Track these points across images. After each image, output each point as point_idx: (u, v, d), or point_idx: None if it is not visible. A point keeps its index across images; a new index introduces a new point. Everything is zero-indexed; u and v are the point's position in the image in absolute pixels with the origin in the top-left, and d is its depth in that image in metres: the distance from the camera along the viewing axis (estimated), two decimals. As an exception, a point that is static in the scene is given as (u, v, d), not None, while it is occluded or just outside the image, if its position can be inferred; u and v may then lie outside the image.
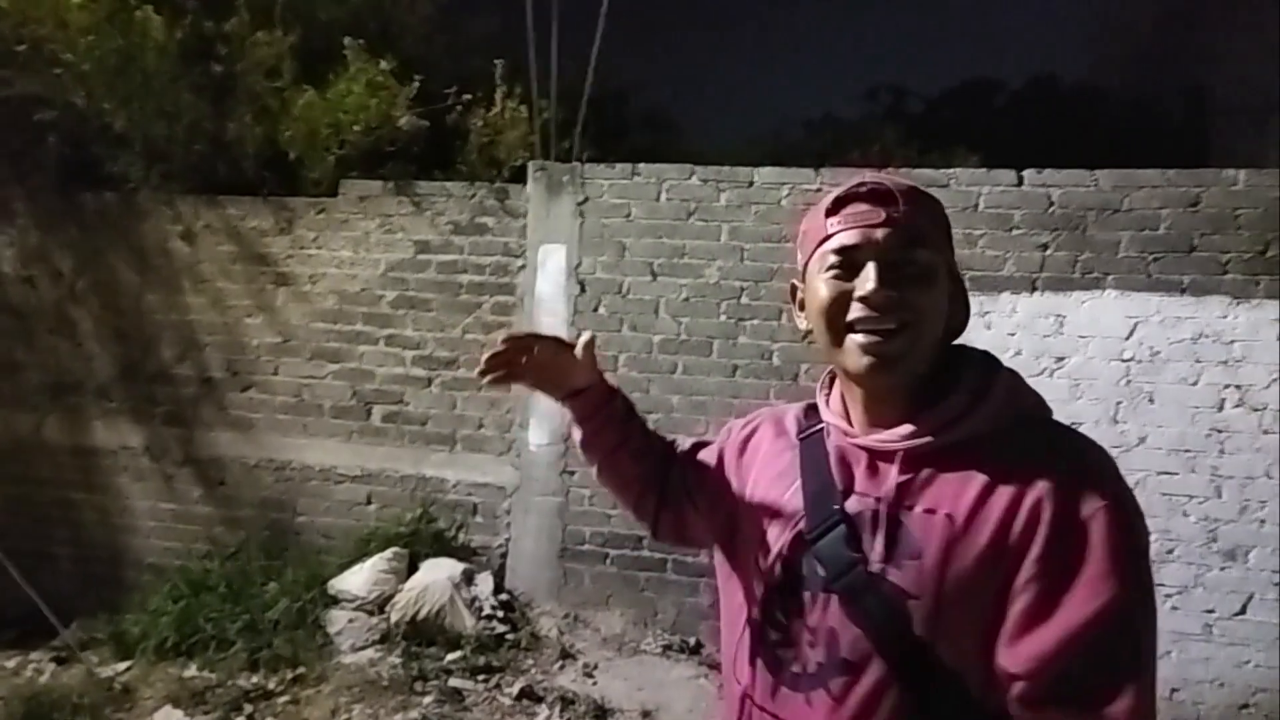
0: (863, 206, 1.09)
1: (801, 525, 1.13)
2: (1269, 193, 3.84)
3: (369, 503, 4.80)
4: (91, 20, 4.85)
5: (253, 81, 5.06)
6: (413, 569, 4.43)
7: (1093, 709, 0.92)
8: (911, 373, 1.08)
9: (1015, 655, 0.96)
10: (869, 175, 1.11)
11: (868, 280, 1.06)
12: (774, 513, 1.19)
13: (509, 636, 4.24)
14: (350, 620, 4.22)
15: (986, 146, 5.85)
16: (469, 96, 5.04)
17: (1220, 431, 3.82)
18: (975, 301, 4.32)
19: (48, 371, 5.21)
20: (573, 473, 4.54)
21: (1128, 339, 3.93)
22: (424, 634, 4.16)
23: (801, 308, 1.21)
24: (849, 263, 1.08)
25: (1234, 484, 3.81)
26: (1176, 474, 3.85)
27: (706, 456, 1.39)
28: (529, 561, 4.62)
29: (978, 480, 1.02)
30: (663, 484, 1.41)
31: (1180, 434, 3.86)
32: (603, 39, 4.99)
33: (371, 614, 4.26)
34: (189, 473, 5.01)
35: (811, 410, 1.27)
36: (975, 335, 4.28)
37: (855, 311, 1.07)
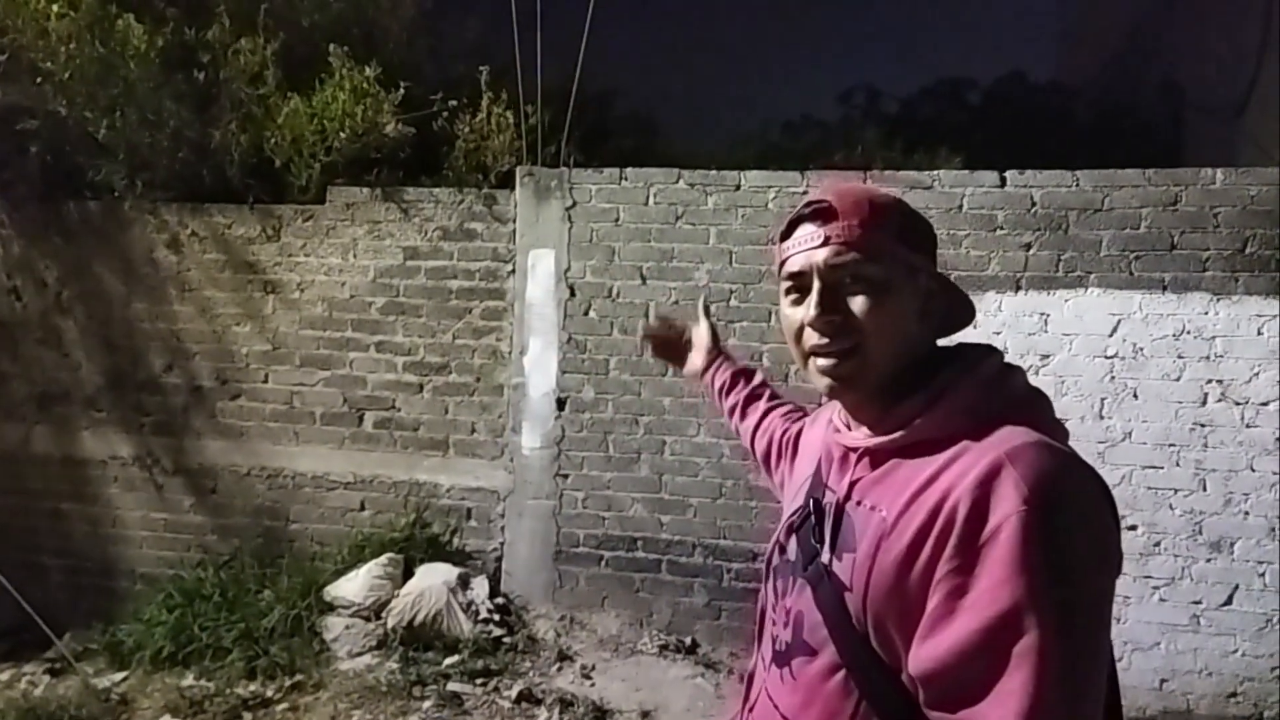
0: (808, 227, 1.12)
1: (796, 513, 1.23)
2: (1246, 191, 3.93)
3: (363, 509, 4.80)
4: (72, 29, 4.80)
5: (236, 89, 5.03)
6: (408, 574, 4.44)
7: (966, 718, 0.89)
8: (871, 387, 1.09)
9: (915, 659, 0.95)
10: (816, 191, 1.13)
11: (809, 306, 1.10)
12: (793, 499, 1.30)
13: (506, 640, 4.27)
14: (347, 626, 4.23)
15: (964, 145, 5.93)
16: (455, 102, 5.04)
17: (1203, 426, 3.91)
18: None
19: (34, 382, 5.16)
20: (566, 476, 4.57)
21: (1111, 336, 4.01)
22: (421, 639, 4.18)
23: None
24: (800, 287, 1.13)
25: (1218, 477, 3.89)
26: (1161, 468, 3.94)
27: (795, 427, 1.61)
28: (524, 565, 4.65)
29: (915, 481, 1.01)
30: (773, 429, 1.67)
31: (1164, 429, 3.94)
32: (586, 43, 5.02)
33: (368, 620, 4.27)
34: (180, 482, 4.99)
35: None
36: (963, 334, 4.32)
37: (808, 338, 1.11)
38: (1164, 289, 3.98)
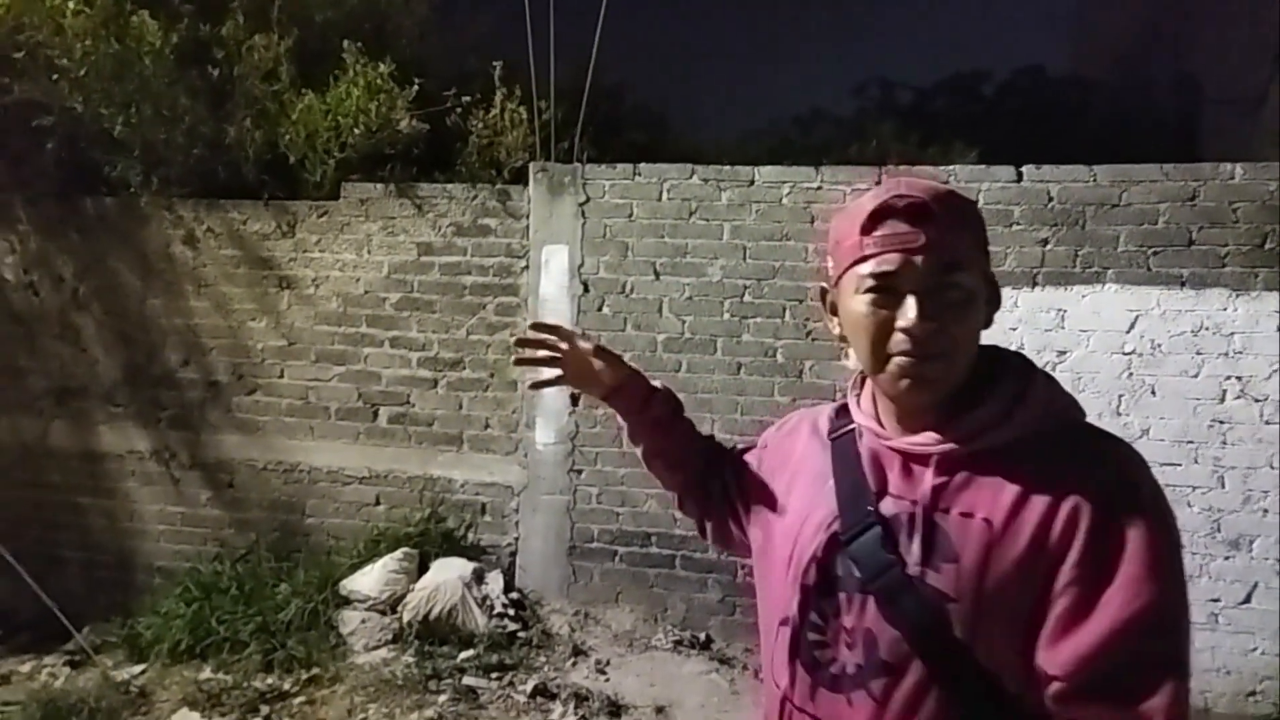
0: (901, 226, 1.06)
1: (836, 526, 1.14)
2: (1265, 185, 3.90)
3: (378, 503, 4.83)
4: (88, 26, 4.82)
5: (250, 85, 5.04)
6: (423, 569, 4.46)
7: (1131, 706, 0.95)
8: (949, 391, 1.09)
9: (1055, 656, 0.98)
10: (904, 185, 1.08)
11: (909, 312, 1.05)
12: (808, 513, 1.19)
13: (521, 634, 4.28)
14: (363, 620, 4.26)
15: (979, 140, 5.89)
16: (468, 98, 5.04)
17: (1222, 423, 3.89)
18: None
19: (52, 377, 5.20)
20: (580, 471, 4.58)
21: (1129, 332, 3.98)
22: (436, 633, 4.20)
23: (833, 311, 1.19)
24: (887, 287, 1.07)
25: (1236, 474, 3.87)
26: (1179, 465, 3.91)
27: (750, 460, 1.41)
28: (538, 560, 4.66)
29: (1015, 485, 1.03)
30: (705, 492, 1.47)
31: (1182, 426, 3.92)
32: (599, 38, 5.02)
33: (383, 614, 4.30)
34: (197, 476, 5.03)
35: (843, 410, 1.27)
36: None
37: (897, 343, 1.06)
38: (1182, 285, 3.95)
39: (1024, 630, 1.01)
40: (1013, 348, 4.08)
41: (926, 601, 1.04)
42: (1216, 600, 3.90)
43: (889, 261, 1.06)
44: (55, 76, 4.82)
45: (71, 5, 4.77)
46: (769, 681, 1.23)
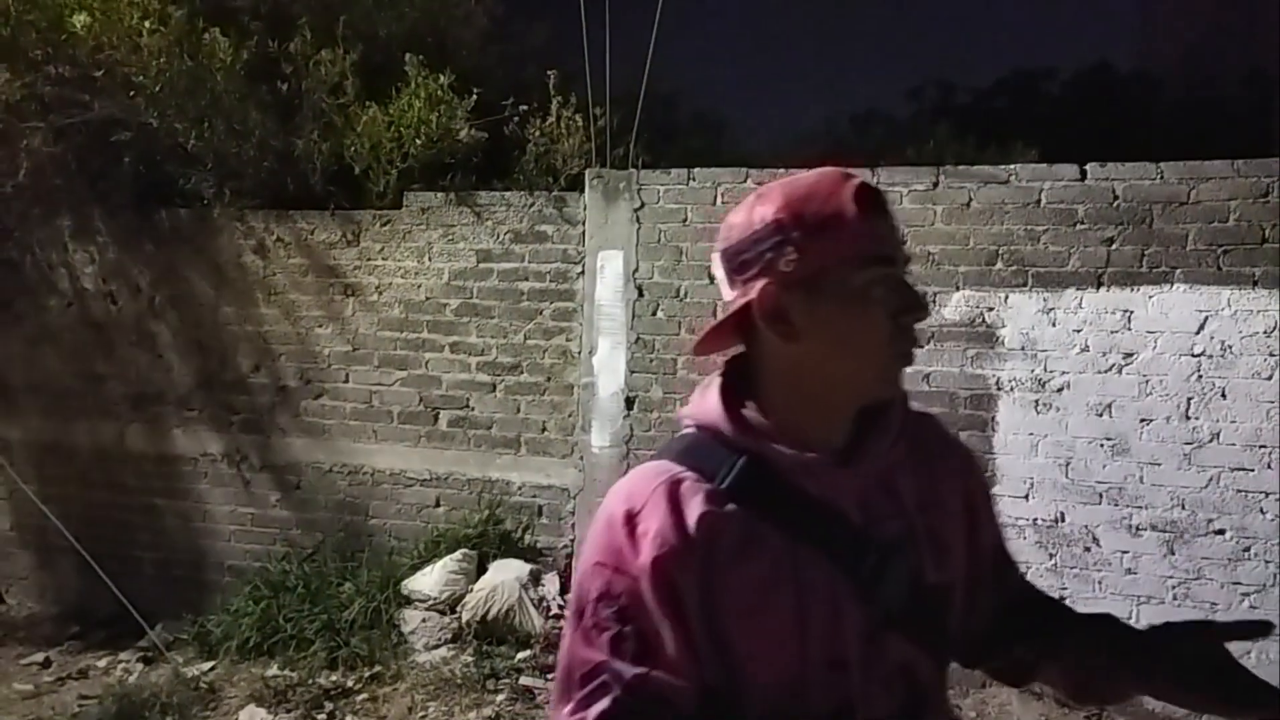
0: (886, 216, 1.01)
1: (849, 606, 0.99)
2: (1343, 181, 3.76)
3: (438, 505, 4.92)
4: (162, 44, 5.00)
5: (317, 99, 5.19)
6: (481, 570, 4.52)
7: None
8: None
9: (1006, 553, 1.22)
10: (851, 173, 1.00)
11: (916, 303, 1.00)
12: (805, 611, 0.98)
13: (577, 636, 4.31)
14: (423, 620, 4.34)
15: (1041, 139, 5.80)
16: (525, 107, 5.13)
17: (1296, 426, 3.76)
18: (1039, 298, 4.30)
19: (129, 383, 5.41)
20: (636, 474, 4.60)
21: (1198, 333, 3.87)
22: (494, 633, 4.26)
23: (782, 318, 0.99)
24: (891, 276, 0.99)
25: (1312, 479, 3.74)
26: (1252, 470, 3.78)
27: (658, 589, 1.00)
28: (594, 562, 4.68)
29: (928, 457, 1.11)
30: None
31: (1255, 429, 3.79)
32: (654, 44, 5.06)
33: (443, 613, 4.37)
34: (266, 478, 5.18)
35: (689, 453, 1.05)
36: (1041, 332, 4.18)
37: (902, 340, 0.99)
38: (1254, 284, 3.82)
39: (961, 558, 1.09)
40: (1077, 350, 3.99)
41: (933, 603, 1.05)
42: (1293, 610, 3.76)
43: (887, 247, 1.00)
44: (132, 93, 5.02)
45: (147, 25, 4.96)
46: None
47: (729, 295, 1.04)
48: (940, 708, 1.09)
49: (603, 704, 0.95)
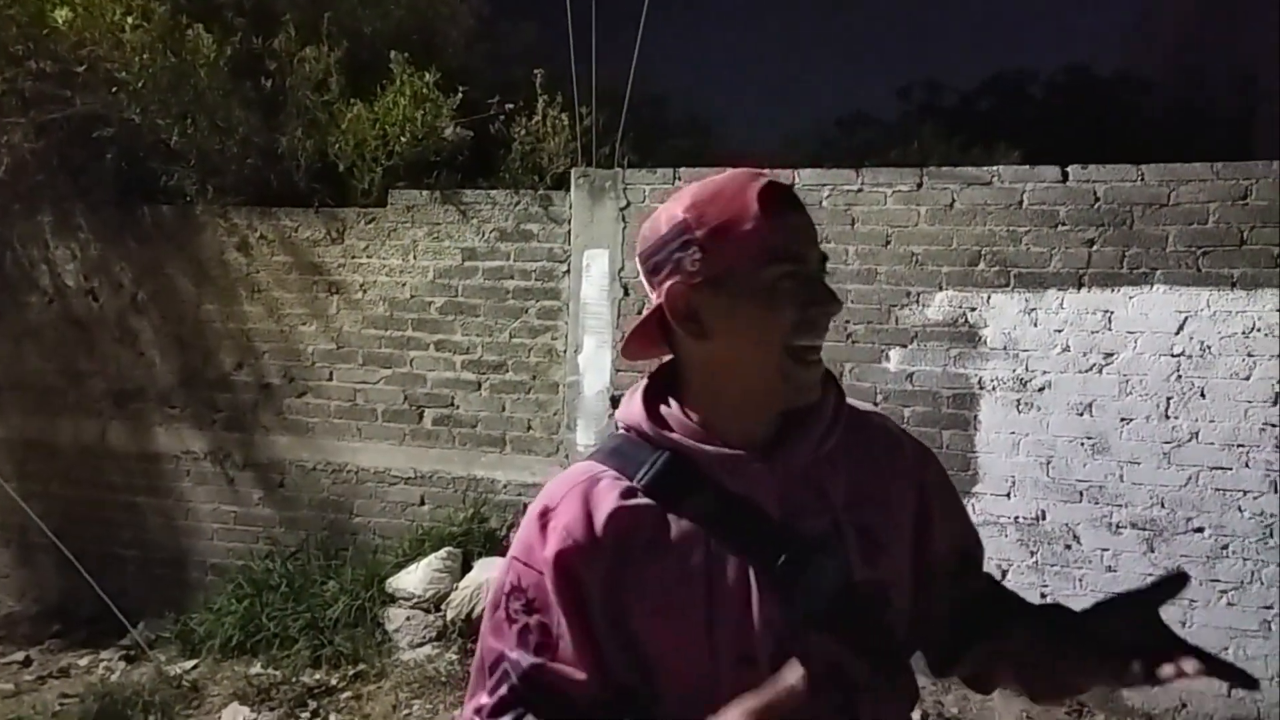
0: (794, 212, 1.01)
1: (763, 602, 0.97)
2: (1320, 184, 3.81)
3: (422, 503, 4.91)
4: (145, 40, 4.97)
5: (301, 96, 5.18)
6: (466, 568, 4.52)
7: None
8: None
9: (968, 538, 1.19)
10: (761, 173, 1.02)
11: (827, 298, 0.99)
12: (715, 608, 0.97)
13: (561, 634, 4.32)
14: (408, 618, 4.33)
15: (1024, 140, 5.84)
16: (511, 105, 5.12)
17: (1275, 426, 3.79)
18: (1021, 298, 4.34)
19: (111, 380, 5.38)
20: (621, 473, 4.61)
21: (1178, 334, 3.91)
22: (478, 631, 4.25)
23: (692, 317, 1.00)
24: (796, 275, 0.98)
25: (1289, 478, 3.78)
26: (1230, 469, 3.83)
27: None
28: (579, 561, 4.69)
29: (870, 458, 1.09)
30: None
31: (1233, 429, 3.84)
32: (640, 43, 5.06)
33: (428, 612, 4.37)
34: (249, 476, 5.16)
35: (613, 454, 1.06)
36: (1023, 332, 4.21)
37: (810, 335, 0.99)
38: (1233, 285, 3.87)
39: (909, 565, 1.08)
40: (1058, 350, 4.03)
41: (870, 598, 1.01)
42: (1269, 608, 3.80)
43: (805, 240, 1.00)
44: (114, 89, 4.99)
45: (130, 20, 4.93)
46: None
47: (651, 297, 1.05)
48: (886, 710, 1.03)
49: (500, 692, 0.99)
